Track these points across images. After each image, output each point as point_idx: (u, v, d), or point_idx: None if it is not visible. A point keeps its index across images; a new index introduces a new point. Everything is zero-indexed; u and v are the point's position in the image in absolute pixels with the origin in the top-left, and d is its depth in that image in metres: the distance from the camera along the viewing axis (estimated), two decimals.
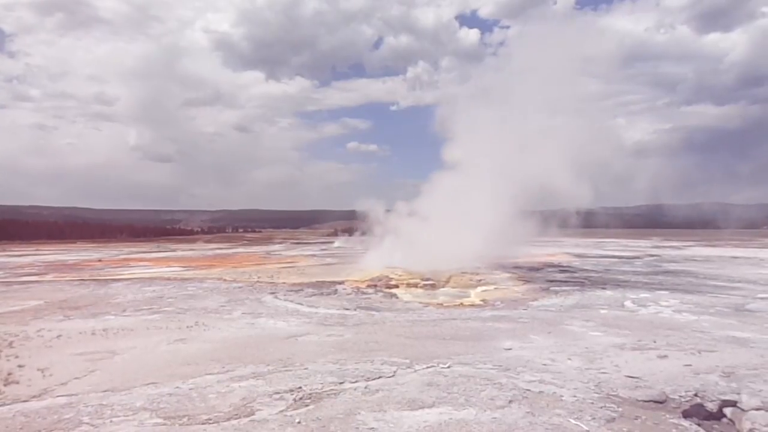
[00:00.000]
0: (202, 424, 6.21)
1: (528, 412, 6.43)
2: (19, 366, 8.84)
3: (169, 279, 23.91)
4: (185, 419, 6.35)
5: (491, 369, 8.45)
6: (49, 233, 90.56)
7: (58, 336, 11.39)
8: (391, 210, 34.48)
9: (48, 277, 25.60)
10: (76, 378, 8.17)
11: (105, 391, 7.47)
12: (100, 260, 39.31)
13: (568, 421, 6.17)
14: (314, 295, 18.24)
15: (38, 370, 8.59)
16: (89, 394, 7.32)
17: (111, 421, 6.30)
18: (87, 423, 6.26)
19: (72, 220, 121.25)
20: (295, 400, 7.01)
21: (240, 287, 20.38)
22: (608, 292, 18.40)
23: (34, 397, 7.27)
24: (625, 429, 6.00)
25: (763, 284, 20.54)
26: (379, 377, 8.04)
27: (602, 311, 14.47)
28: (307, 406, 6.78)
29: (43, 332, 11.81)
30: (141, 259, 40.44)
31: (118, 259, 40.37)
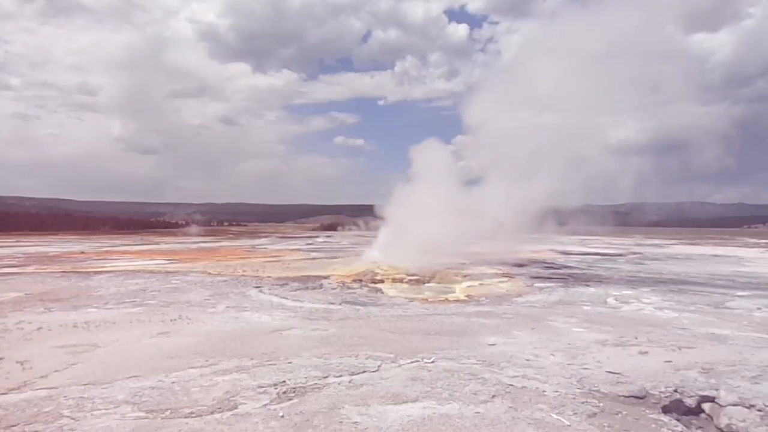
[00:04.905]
0: (185, 417, 6.16)
1: (511, 407, 6.49)
2: None
3: (152, 272, 23.63)
4: (168, 413, 6.30)
5: (475, 364, 8.49)
6: (30, 224, 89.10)
7: (39, 328, 11.21)
8: (376, 205, 34.51)
9: (29, 269, 25.14)
10: (57, 371, 8.04)
11: (86, 384, 7.37)
12: (82, 252, 38.75)
13: (550, 415, 6.24)
14: (299, 289, 18.17)
15: (17, 362, 8.44)
16: (70, 387, 7.21)
17: (92, 414, 6.22)
18: (67, 416, 6.17)
19: (54, 212, 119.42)
20: (278, 394, 6.98)
21: (225, 281, 20.23)
22: (591, 289, 18.59)
23: (12, 389, 7.14)
24: (605, 424, 6.07)
25: (742, 282, 20.92)
26: (364, 372, 8.04)
27: (585, 308, 14.63)
28: (290, 400, 6.76)
29: (23, 324, 11.61)
30: (124, 252, 39.93)
31: (100, 252, 39.83)
